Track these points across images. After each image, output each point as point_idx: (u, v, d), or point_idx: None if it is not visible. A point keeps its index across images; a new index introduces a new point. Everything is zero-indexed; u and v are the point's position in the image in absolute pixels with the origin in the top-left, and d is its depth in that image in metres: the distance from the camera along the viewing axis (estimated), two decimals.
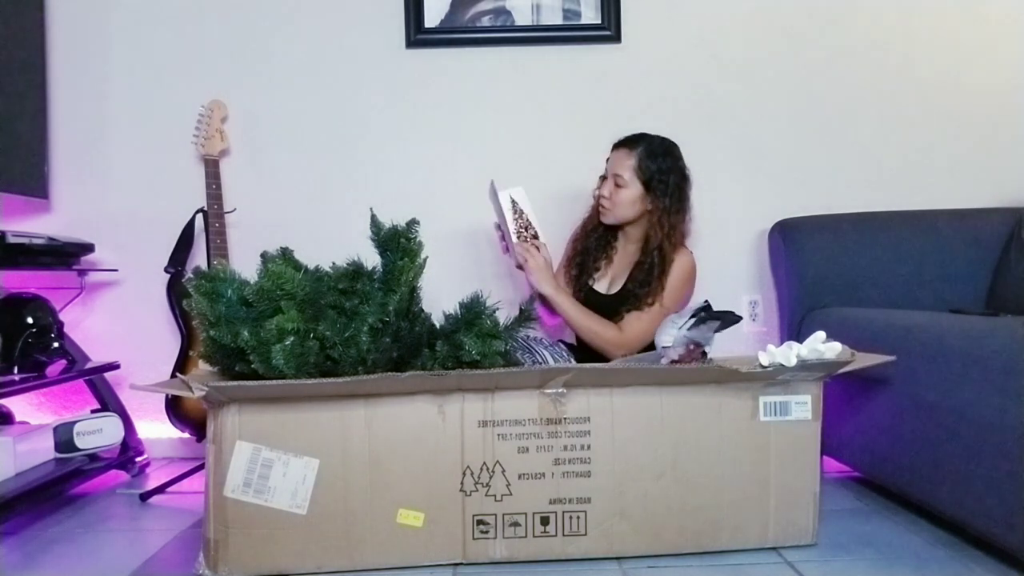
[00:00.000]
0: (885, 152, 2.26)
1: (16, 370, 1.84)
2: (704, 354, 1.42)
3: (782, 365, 1.34)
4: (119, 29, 2.22)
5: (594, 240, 1.92)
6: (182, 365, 1.99)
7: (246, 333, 1.25)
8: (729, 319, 1.40)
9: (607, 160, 1.89)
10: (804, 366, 1.35)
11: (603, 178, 1.88)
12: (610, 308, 1.82)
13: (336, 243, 1.50)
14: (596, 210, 1.92)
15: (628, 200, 1.82)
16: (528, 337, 1.82)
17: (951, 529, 1.49)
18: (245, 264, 1.45)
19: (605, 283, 1.90)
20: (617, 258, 1.92)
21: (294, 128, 2.24)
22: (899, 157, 2.26)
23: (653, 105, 2.24)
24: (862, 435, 1.69)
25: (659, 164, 1.81)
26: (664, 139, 1.85)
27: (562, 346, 1.88)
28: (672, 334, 1.40)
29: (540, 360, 1.74)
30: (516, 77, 2.25)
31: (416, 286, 1.38)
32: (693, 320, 1.39)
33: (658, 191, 1.80)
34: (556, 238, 2.09)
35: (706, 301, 1.44)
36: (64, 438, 1.84)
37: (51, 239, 1.90)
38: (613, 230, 1.92)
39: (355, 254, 1.36)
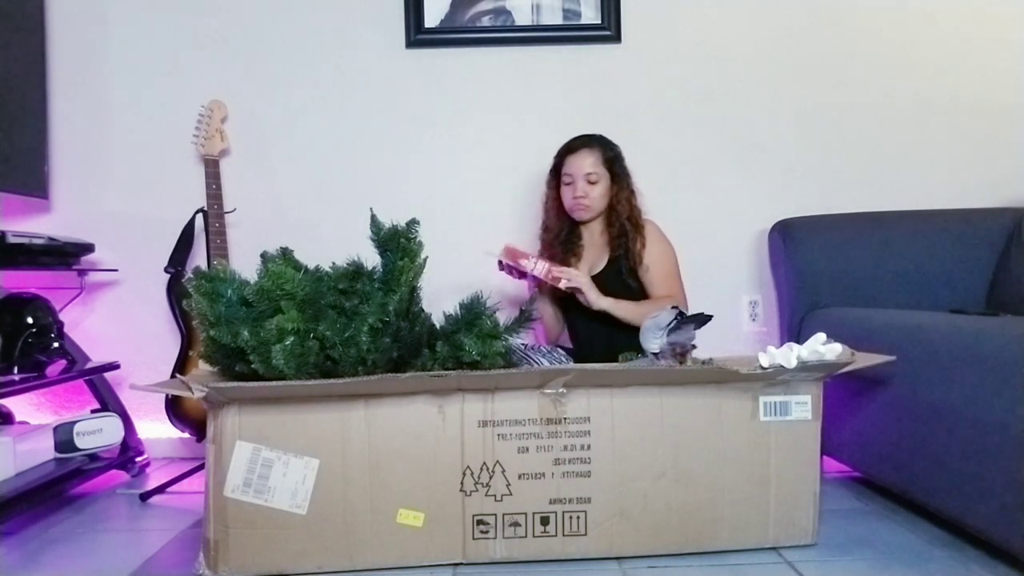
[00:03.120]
0: (885, 152, 2.26)
1: (16, 370, 1.84)
2: (694, 346, 1.45)
3: (782, 367, 1.34)
4: (119, 29, 2.23)
5: (560, 245, 1.96)
6: (182, 365, 1.99)
7: (246, 333, 1.25)
8: (702, 319, 1.45)
9: (559, 167, 1.94)
10: (804, 367, 1.35)
11: (565, 184, 1.92)
12: (602, 285, 1.84)
13: (336, 243, 1.50)
14: (556, 216, 1.97)
15: (601, 193, 1.90)
16: (526, 347, 1.84)
17: (951, 529, 1.49)
18: (245, 264, 1.45)
19: (584, 272, 1.92)
20: (586, 252, 1.97)
21: (294, 128, 2.24)
22: (899, 157, 2.26)
23: (653, 105, 2.24)
24: (862, 435, 1.69)
25: (614, 153, 1.92)
26: (600, 135, 1.94)
27: (560, 351, 1.89)
28: (658, 342, 1.43)
29: None
30: (516, 77, 2.26)
31: (416, 286, 1.38)
32: (671, 326, 1.44)
33: (620, 176, 1.91)
34: None
35: (676, 308, 1.48)
36: (64, 438, 1.84)
37: (51, 239, 1.90)
38: (575, 229, 1.97)
39: (355, 254, 1.36)
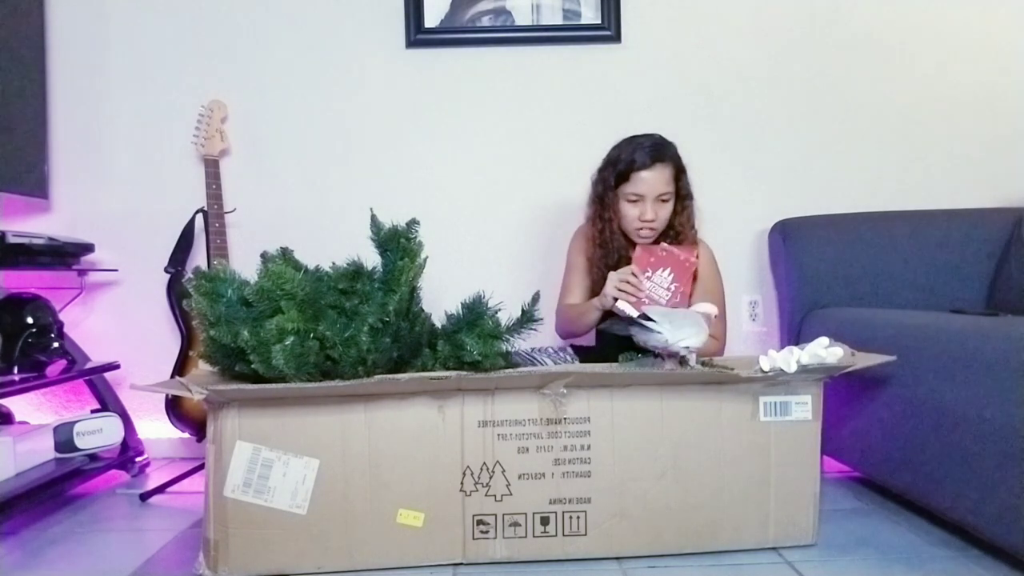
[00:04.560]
0: (885, 152, 2.26)
1: (16, 370, 1.83)
2: (684, 358, 1.40)
3: (782, 371, 1.34)
4: (119, 29, 2.22)
5: (608, 268, 1.77)
6: (182, 365, 1.99)
7: (246, 333, 1.25)
8: (642, 320, 1.38)
9: (621, 179, 1.75)
10: (804, 370, 1.35)
11: (630, 201, 1.75)
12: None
13: (336, 243, 1.50)
14: (611, 235, 1.80)
15: (668, 213, 1.77)
16: (533, 349, 1.80)
17: (951, 529, 1.49)
18: (245, 264, 1.45)
19: None
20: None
21: (294, 128, 2.24)
22: (899, 157, 2.26)
23: (653, 105, 2.24)
24: (862, 435, 1.69)
25: (681, 165, 1.78)
26: (664, 137, 1.81)
27: (569, 351, 1.85)
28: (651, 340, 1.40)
29: None
30: (516, 77, 2.25)
31: (416, 286, 1.38)
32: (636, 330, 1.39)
33: (684, 192, 1.79)
34: (555, 239, 2.09)
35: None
36: (64, 438, 1.84)
37: (51, 239, 1.90)
38: (627, 241, 1.84)
39: (355, 254, 1.36)
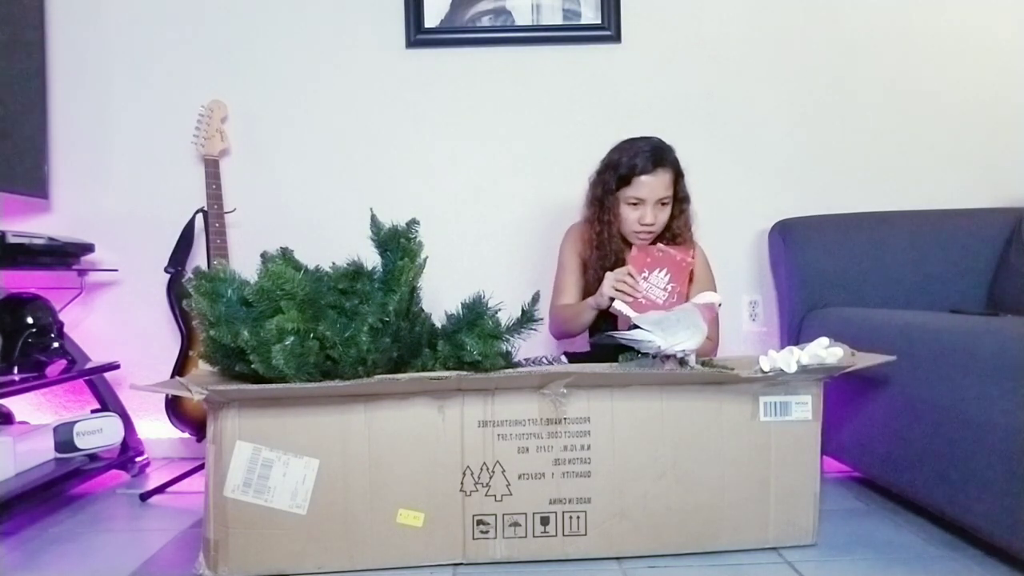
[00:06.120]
0: (884, 152, 2.26)
1: (16, 370, 1.84)
2: (684, 352, 1.41)
3: (782, 371, 1.34)
4: (119, 29, 2.22)
5: (604, 270, 1.76)
6: (182, 365, 1.99)
7: (246, 333, 1.25)
8: (634, 329, 1.39)
9: (622, 183, 1.75)
10: (804, 370, 1.35)
11: (630, 204, 1.75)
12: None
13: (336, 243, 1.50)
14: (610, 238, 1.80)
15: (667, 216, 1.78)
16: (527, 360, 1.79)
17: (951, 529, 1.49)
18: (245, 264, 1.45)
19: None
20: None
21: (294, 128, 2.24)
22: (899, 157, 2.26)
23: (653, 105, 2.24)
24: (862, 435, 1.69)
25: (680, 168, 1.78)
26: (663, 141, 1.80)
27: (563, 360, 1.85)
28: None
29: None
30: (516, 77, 2.25)
31: (416, 286, 1.38)
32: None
33: (681, 196, 1.79)
34: (554, 239, 2.08)
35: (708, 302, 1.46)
36: (64, 438, 1.84)
37: (51, 239, 1.90)
38: (624, 244, 1.84)
39: (355, 254, 1.36)
